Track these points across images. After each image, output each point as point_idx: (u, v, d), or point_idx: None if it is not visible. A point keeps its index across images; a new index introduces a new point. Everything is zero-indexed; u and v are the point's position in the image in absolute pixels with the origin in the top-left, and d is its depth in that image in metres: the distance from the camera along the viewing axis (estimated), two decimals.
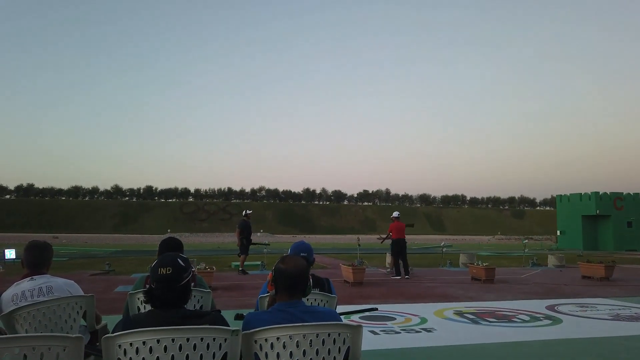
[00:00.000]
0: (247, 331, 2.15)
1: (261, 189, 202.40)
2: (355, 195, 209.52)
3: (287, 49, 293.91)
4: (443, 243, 22.35)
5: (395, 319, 7.14)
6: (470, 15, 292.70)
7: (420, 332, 6.29)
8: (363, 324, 5.98)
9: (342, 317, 2.55)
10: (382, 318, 7.12)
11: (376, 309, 4.52)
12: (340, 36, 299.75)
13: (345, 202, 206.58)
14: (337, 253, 25.37)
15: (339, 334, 2.20)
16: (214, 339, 2.03)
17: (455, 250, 26.35)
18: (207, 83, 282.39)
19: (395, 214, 13.71)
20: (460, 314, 7.60)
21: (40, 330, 2.86)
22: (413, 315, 7.44)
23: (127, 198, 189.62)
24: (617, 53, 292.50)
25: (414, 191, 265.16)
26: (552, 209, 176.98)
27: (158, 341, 1.97)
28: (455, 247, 33.21)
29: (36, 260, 3.16)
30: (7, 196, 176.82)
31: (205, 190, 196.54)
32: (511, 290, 10.55)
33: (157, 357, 1.96)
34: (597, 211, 35.14)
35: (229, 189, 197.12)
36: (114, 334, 2.00)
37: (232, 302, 8.54)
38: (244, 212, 14.30)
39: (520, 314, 7.59)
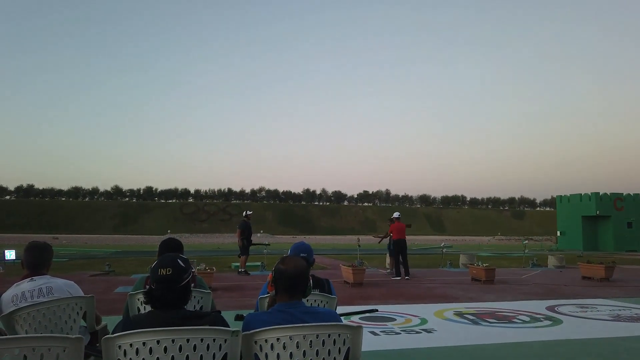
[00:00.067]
0: (247, 332, 2.15)
1: (261, 189, 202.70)
2: (355, 196, 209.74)
3: (287, 49, 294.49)
4: (443, 244, 22.32)
5: (395, 319, 7.15)
6: (470, 15, 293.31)
7: (421, 332, 6.29)
8: (363, 325, 5.97)
9: (342, 318, 2.55)
10: (382, 319, 7.12)
11: (376, 310, 4.51)
12: (340, 36, 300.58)
13: (345, 203, 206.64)
14: (337, 254, 25.35)
15: (339, 335, 2.20)
16: (214, 340, 2.03)
17: (455, 251, 26.32)
18: (207, 83, 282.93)
19: (396, 214, 13.76)
20: (460, 314, 7.60)
21: (40, 331, 2.86)
22: (413, 316, 7.44)
23: (127, 199, 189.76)
24: (617, 53, 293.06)
25: (414, 192, 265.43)
26: (552, 209, 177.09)
27: (158, 342, 1.97)
28: (455, 248, 33.18)
29: (36, 261, 3.16)
30: (7, 197, 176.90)
31: (205, 190, 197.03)
32: (511, 291, 10.55)
33: (157, 357, 1.97)
34: (597, 212, 35.13)
35: (229, 189, 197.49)
36: (114, 335, 2.00)
37: (232, 303, 8.55)
38: (244, 212, 14.32)
39: (521, 314, 7.59)
